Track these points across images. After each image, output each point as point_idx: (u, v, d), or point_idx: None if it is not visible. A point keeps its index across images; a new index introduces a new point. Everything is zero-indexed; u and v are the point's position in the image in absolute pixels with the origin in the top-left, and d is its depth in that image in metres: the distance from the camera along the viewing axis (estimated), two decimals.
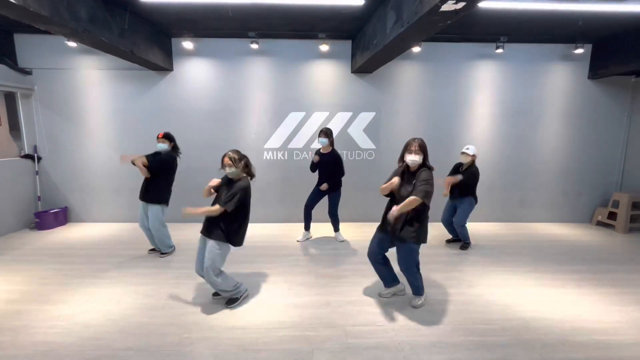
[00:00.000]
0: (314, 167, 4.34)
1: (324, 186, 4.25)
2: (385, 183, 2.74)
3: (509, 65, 5.26)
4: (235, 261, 3.70)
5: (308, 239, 4.64)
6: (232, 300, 2.86)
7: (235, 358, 2.21)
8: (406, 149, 2.69)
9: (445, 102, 5.30)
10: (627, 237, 4.98)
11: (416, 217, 2.63)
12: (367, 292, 3.12)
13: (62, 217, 5.21)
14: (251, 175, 2.83)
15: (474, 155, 4.07)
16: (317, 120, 5.24)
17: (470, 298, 3.03)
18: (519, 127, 5.40)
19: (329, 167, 4.25)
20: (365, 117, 5.29)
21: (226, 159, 2.69)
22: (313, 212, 4.50)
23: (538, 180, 5.56)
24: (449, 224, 4.38)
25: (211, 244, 2.70)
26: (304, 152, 5.30)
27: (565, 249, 4.39)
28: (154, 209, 3.74)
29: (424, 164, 2.69)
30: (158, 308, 2.79)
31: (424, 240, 2.71)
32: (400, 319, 2.67)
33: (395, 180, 2.67)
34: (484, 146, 5.40)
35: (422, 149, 2.66)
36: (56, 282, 3.26)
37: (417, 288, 2.90)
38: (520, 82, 5.30)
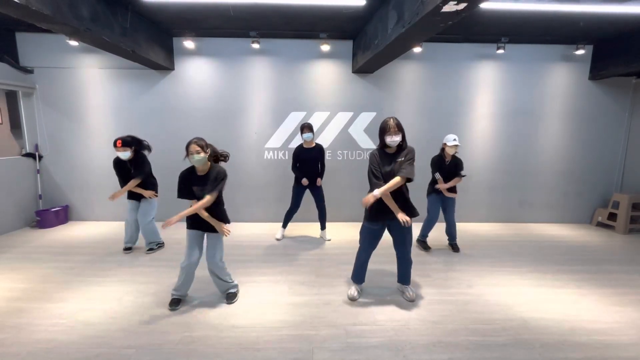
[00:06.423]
0: (297, 166, 4.32)
1: (305, 181, 4.21)
2: (370, 183, 2.88)
3: (509, 66, 5.26)
4: (236, 260, 3.72)
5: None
6: (232, 295, 2.90)
7: (235, 357, 2.22)
8: (385, 131, 2.69)
9: (446, 103, 5.30)
10: (627, 237, 4.99)
11: (407, 193, 2.79)
12: (367, 291, 3.13)
13: (63, 215, 5.22)
14: (219, 157, 2.80)
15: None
16: (318, 120, 5.24)
17: (470, 298, 3.04)
18: (519, 127, 5.41)
19: (315, 162, 4.25)
20: (366, 117, 5.30)
21: (194, 146, 2.54)
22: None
23: (538, 180, 5.56)
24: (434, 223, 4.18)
25: (211, 233, 2.76)
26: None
27: (565, 249, 4.39)
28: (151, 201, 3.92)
29: (403, 143, 2.73)
30: (159, 306, 2.80)
31: (418, 214, 2.83)
32: (401, 319, 2.68)
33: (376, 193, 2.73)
34: (485, 146, 5.41)
35: (400, 128, 2.67)
36: (57, 280, 3.28)
37: (409, 274, 2.99)
38: (521, 83, 5.30)
